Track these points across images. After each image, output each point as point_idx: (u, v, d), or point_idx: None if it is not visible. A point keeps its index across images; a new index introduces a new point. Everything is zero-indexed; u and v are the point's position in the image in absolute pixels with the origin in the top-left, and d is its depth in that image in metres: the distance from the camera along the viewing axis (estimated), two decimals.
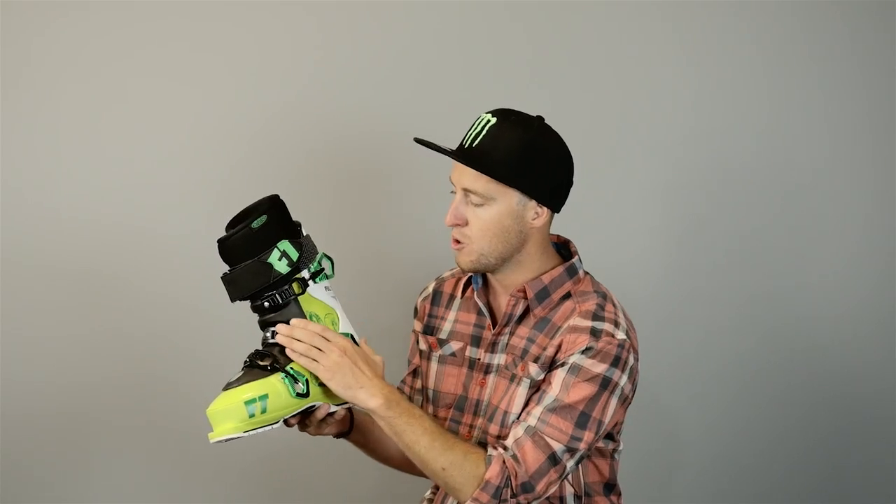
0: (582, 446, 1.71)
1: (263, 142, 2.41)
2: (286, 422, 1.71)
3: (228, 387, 1.67)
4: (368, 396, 1.67)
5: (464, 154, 1.74)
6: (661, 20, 2.56)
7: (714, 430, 2.69)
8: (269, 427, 1.67)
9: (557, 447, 1.70)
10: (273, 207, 1.71)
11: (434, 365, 1.93)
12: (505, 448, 1.71)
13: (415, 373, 2.00)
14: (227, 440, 1.65)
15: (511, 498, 1.69)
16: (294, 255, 1.70)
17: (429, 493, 2.00)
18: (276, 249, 1.68)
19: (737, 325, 2.66)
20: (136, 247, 2.38)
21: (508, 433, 1.76)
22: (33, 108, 2.32)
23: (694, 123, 2.60)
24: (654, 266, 2.63)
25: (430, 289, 2.00)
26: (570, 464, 1.72)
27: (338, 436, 1.88)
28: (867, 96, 2.67)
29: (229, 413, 1.63)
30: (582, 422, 1.71)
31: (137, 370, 2.40)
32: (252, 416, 1.64)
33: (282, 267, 1.69)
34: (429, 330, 1.96)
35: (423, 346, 1.97)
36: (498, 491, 1.67)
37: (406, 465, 2.00)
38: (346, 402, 1.78)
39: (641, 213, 2.61)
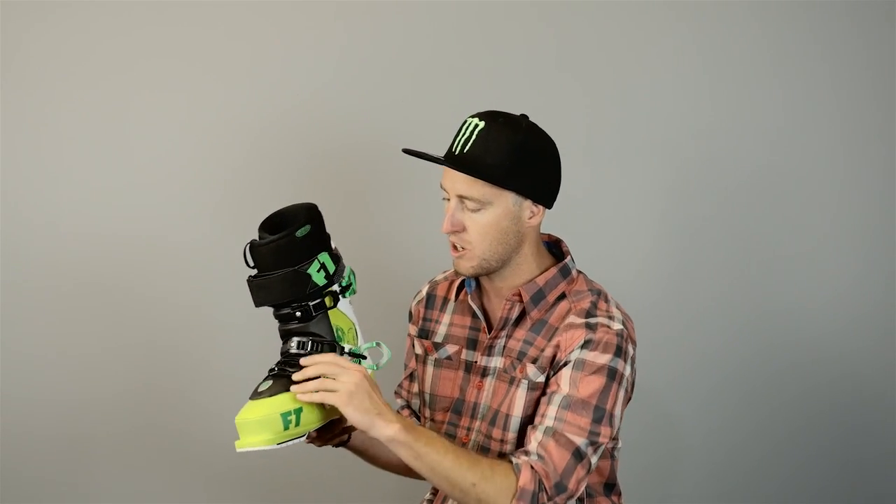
0: (602, 440, 1.71)
1: (264, 147, 2.42)
2: (308, 434, 1.68)
3: (257, 396, 1.63)
4: (386, 423, 1.60)
5: (456, 161, 1.73)
6: (662, 21, 2.56)
7: (716, 434, 2.69)
8: (298, 440, 1.64)
9: (580, 441, 1.69)
10: (315, 217, 1.68)
11: (430, 368, 1.93)
12: (527, 453, 1.69)
13: (411, 377, 2.01)
14: (254, 451, 1.61)
15: (548, 501, 1.67)
16: (332, 268, 1.68)
17: (429, 494, 2.00)
18: (316, 261, 1.65)
19: (740, 329, 2.66)
20: (138, 254, 2.39)
21: (511, 436, 1.77)
22: (35, 113, 2.32)
23: (695, 126, 2.60)
24: (657, 271, 2.63)
25: (424, 292, 2.00)
26: (594, 458, 1.72)
27: (337, 445, 1.87)
28: (876, 100, 2.64)
29: (263, 424, 1.59)
30: (598, 416, 1.70)
31: (140, 376, 2.41)
32: (286, 428, 1.61)
33: (319, 279, 1.66)
34: (424, 334, 1.96)
35: (418, 349, 1.96)
36: (534, 497, 1.65)
37: (405, 470, 1.99)
38: None
39: (642, 217, 2.61)
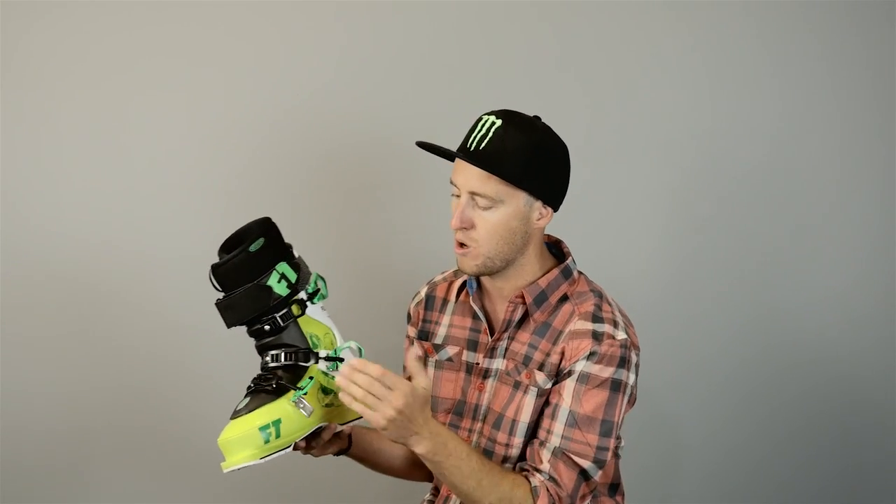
0: (608, 455, 1.74)
1: (263, 147, 2.41)
2: (296, 445, 1.69)
3: (237, 415, 1.64)
4: (416, 443, 1.62)
5: (473, 156, 1.72)
6: (662, 21, 2.55)
7: (716, 434, 2.69)
8: (283, 452, 1.65)
9: (586, 465, 1.71)
10: (268, 230, 1.68)
11: (430, 370, 1.92)
12: (539, 471, 1.71)
13: (409, 379, 2.00)
14: (241, 468, 1.62)
15: None
16: (293, 276, 1.68)
17: (429, 494, 1.99)
18: (274, 272, 1.65)
19: (740, 329, 2.66)
20: (137, 254, 2.38)
21: (517, 441, 1.77)
22: (34, 113, 2.31)
23: (695, 126, 2.59)
24: (657, 271, 2.62)
25: (423, 294, 1.99)
26: (598, 475, 1.74)
27: (338, 453, 1.87)
28: (877, 100, 2.64)
29: (244, 441, 1.61)
30: (606, 430, 1.72)
31: (140, 377, 2.40)
32: (267, 441, 1.62)
33: (281, 289, 1.66)
34: (423, 335, 1.95)
35: (419, 351, 1.96)
36: None
37: (406, 474, 2.01)
38: (354, 420, 1.77)
39: (642, 218, 2.61)
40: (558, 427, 1.72)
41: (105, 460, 2.41)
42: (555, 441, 1.71)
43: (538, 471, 1.71)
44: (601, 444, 1.71)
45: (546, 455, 1.71)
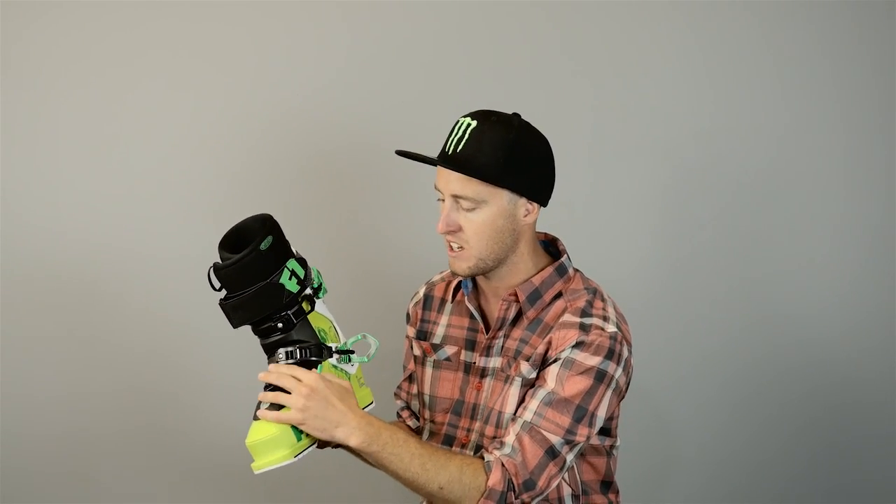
0: (579, 439, 1.72)
1: (264, 148, 2.42)
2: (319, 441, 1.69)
3: (259, 416, 1.62)
4: (347, 435, 1.61)
5: (450, 160, 1.73)
6: (664, 20, 2.55)
7: (714, 436, 2.68)
8: (310, 448, 1.64)
9: (555, 440, 1.70)
10: (274, 227, 1.67)
11: (429, 370, 1.93)
12: (501, 445, 1.71)
13: (410, 378, 2.01)
14: (273, 469, 1.61)
15: (515, 500, 1.68)
16: (301, 272, 1.67)
17: None
18: (285, 269, 1.65)
19: (739, 330, 2.65)
20: (136, 254, 2.39)
21: (504, 433, 1.76)
22: (33, 112, 2.33)
23: (696, 125, 2.59)
24: (657, 271, 2.62)
25: (421, 293, 2.00)
26: (569, 457, 1.72)
27: (335, 446, 1.87)
28: (878, 100, 2.62)
29: (277, 441, 1.60)
30: (579, 416, 1.71)
31: (135, 381, 2.42)
32: (300, 439, 1.62)
33: (292, 286, 1.65)
34: (422, 335, 1.96)
35: (417, 351, 1.97)
36: (502, 496, 1.67)
37: None
38: (372, 404, 1.78)
39: (643, 217, 2.60)
40: (534, 404, 1.72)
41: (104, 460, 2.42)
42: (527, 416, 1.71)
43: (503, 444, 1.70)
44: (572, 427, 1.70)
45: (515, 428, 1.71)
